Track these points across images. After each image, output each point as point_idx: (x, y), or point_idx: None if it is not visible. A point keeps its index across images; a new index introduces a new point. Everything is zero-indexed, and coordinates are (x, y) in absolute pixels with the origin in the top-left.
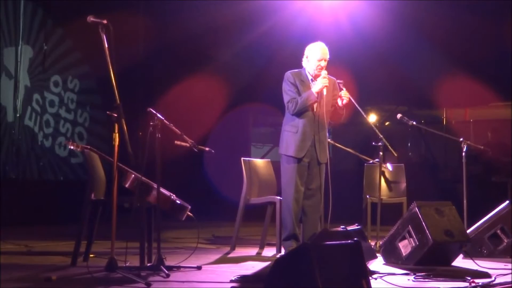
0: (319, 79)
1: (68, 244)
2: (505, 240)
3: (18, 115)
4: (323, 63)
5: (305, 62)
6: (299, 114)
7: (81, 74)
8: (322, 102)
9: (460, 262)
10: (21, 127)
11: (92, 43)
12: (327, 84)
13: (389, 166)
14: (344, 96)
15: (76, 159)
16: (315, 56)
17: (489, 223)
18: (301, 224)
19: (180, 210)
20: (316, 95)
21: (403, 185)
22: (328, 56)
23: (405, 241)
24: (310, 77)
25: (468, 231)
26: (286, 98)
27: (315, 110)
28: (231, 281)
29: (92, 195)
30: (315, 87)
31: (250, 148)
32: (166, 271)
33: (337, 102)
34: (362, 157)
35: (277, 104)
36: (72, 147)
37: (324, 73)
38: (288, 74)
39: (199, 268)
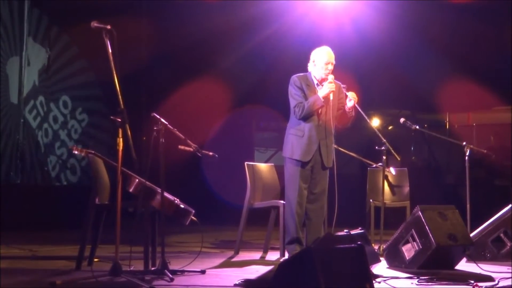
0: (325, 84)
1: (72, 248)
2: (508, 244)
3: (22, 96)
4: (330, 67)
5: (311, 67)
6: (305, 118)
7: (92, 109)
8: (328, 106)
9: (463, 265)
10: (25, 128)
11: (96, 48)
12: (333, 89)
13: (392, 170)
14: (352, 98)
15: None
16: (322, 59)
17: (492, 226)
18: (304, 228)
19: (184, 214)
20: (322, 100)
21: (406, 189)
22: (334, 60)
23: (409, 245)
24: (316, 82)
25: (471, 234)
26: (292, 102)
27: (321, 114)
28: (235, 285)
29: (97, 200)
30: (322, 91)
31: (253, 153)
32: (170, 275)
33: (345, 105)
34: (365, 161)
35: (280, 108)
36: (76, 152)
37: (331, 77)
38: (295, 78)
39: (203, 272)
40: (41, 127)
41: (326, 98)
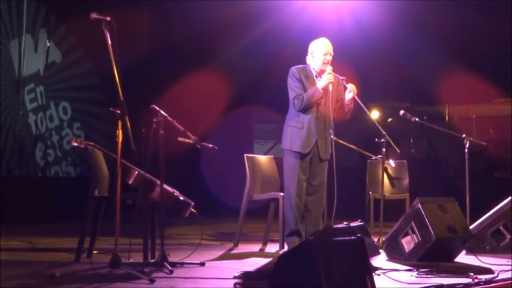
0: (324, 75)
1: (71, 240)
2: (508, 236)
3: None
4: (329, 57)
5: (309, 59)
6: (304, 110)
7: (88, 135)
8: (327, 98)
9: (463, 258)
10: (24, 120)
11: (96, 39)
12: (332, 80)
13: (391, 162)
14: (352, 90)
15: None
16: (320, 50)
17: (492, 219)
18: (303, 220)
19: (183, 206)
20: (321, 91)
21: (406, 181)
22: (332, 51)
23: (408, 237)
24: (314, 74)
25: (470, 227)
26: (291, 94)
27: (320, 106)
28: (235, 277)
29: (96, 192)
30: (321, 83)
31: (253, 145)
32: (170, 267)
33: (344, 97)
34: (365, 154)
35: (280, 100)
36: (75, 144)
37: (329, 68)
38: (294, 70)
39: (202, 264)
40: (36, 113)
41: (325, 89)
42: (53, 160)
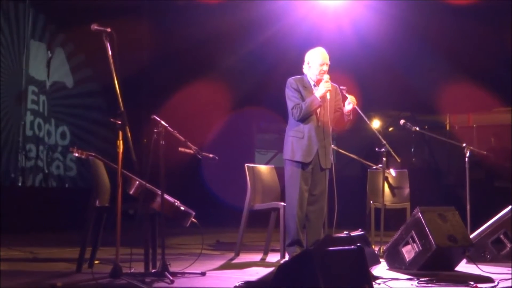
0: (321, 83)
1: (73, 250)
2: (508, 245)
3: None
4: (325, 68)
5: (306, 69)
6: (303, 119)
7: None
8: (326, 107)
9: (463, 267)
10: (25, 130)
11: (97, 49)
12: (330, 88)
13: (392, 171)
14: (352, 101)
15: None
16: (316, 61)
17: (492, 228)
18: (304, 230)
19: (184, 216)
20: (319, 99)
21: (407, 190)
22: (328, 61)
23: (409, 246)
24: (312, 83)
25: (471, 236)
26: (290, 104)
27: (319, 115)
28: (235, 287)
29: (97, 202)
30: (318, 91)
31: (254, 154)
32: (171, 277)
33: (343, 108)
34: (365, 163)
35: (280, 110)
36: (76, 154)
37: (326, 77)
38: (291, 81)
39: (203, 274)
40: (34, 115)
41: (323, 98)
42: (50, 171)
